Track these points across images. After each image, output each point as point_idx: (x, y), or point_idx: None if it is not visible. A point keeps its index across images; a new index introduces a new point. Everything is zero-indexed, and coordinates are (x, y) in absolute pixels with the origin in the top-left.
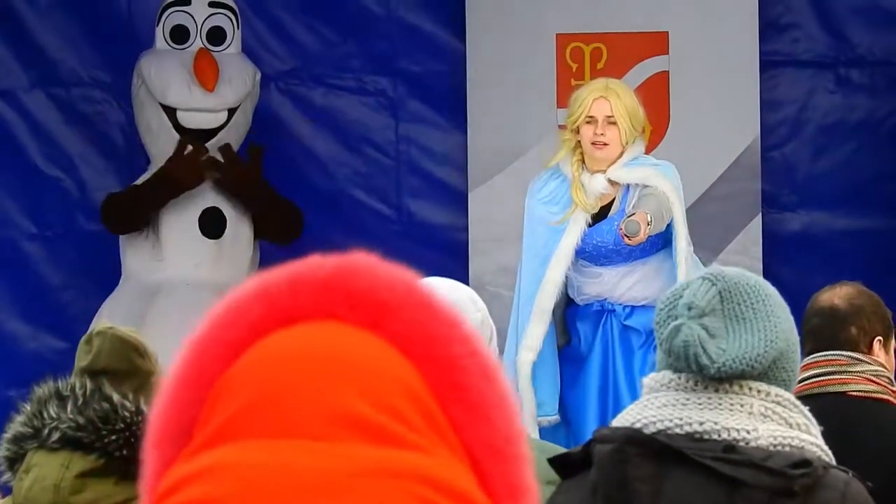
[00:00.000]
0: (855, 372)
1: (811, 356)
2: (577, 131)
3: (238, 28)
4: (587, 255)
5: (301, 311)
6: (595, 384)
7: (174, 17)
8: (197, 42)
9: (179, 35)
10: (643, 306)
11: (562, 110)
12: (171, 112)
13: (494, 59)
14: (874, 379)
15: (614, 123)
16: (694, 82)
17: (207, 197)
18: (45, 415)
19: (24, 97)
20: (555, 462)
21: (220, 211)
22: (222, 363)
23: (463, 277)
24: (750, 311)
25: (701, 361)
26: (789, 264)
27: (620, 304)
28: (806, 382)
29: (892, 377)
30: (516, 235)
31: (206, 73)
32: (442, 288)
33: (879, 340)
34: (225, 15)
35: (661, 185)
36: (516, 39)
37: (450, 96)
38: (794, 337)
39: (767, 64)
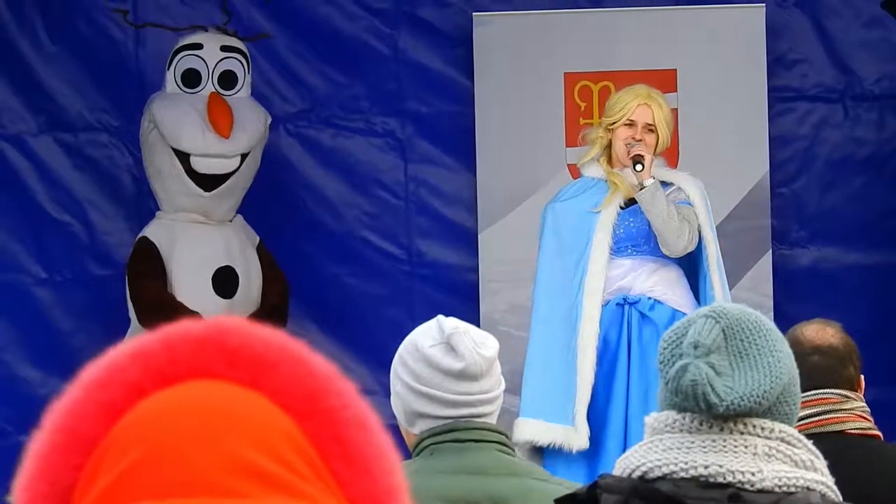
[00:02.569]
0: (848, 410)
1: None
2: (610, 131)
3: (248, 72)
4: (616, 240)
5: (178, 370)
6: (623, 378)
7: (186, 60)
8: (209, 86)
9: (191, 79)
10: (663, 303)
11: (571, 149)
12: (183, 157)
13: (503, 99)
14: (865, 416)
15: (652, 131)
16: (703, 119)
17: (220, 256)
18: None
19: (32, 142)
20: (561, 502)
21: (233, 269)
22: (98, 426)
23: (473, 318)
24: (753, 348)
25: (710, 400)
26: (800, 300)
27: (644, 296)
28: (805, 422)
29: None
30: (527, 275)
31: (221, 120)
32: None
33: (862, 377)
34: (237, 59)
35: (690, 190)
36: (524, 79)
37: (458, 136)
38: (795, 370)
39: (776, 100)
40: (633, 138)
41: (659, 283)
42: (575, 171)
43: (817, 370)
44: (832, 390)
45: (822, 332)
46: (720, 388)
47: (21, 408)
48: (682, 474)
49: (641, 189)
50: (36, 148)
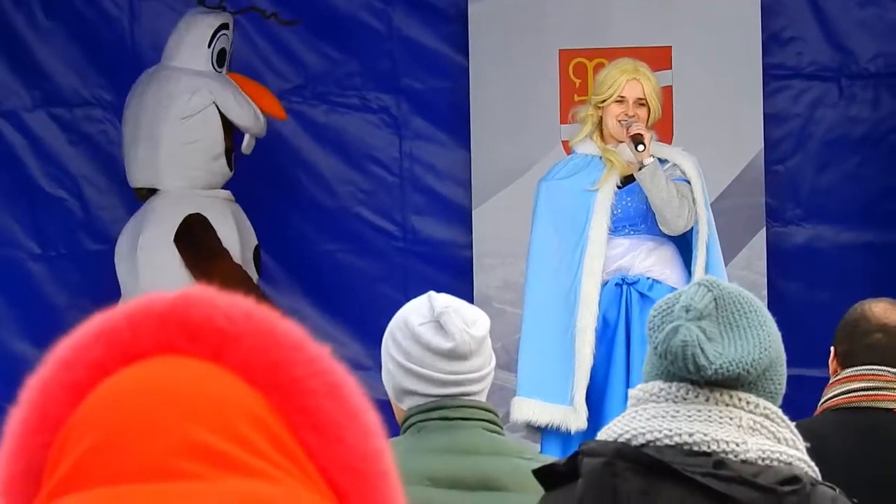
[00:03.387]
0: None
1: (854, 368)
2: (600, 108)
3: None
4: (614, 220)
5: (141, 347)
6: (622, 359)
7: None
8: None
9: (222, 59)
10: (662, 283)
11: (565, 126)
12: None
13: (497, 76)
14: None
15: (644, 105)
16: (697, 97)
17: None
18: None
19: (27, 117)
20: (539, 473)
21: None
22: (65, 406)
23: (467, 294)
24: (744, 320)
25: (699, 362)
26: (793, 278)
27: (642, 276)
28: (852, 395)
29: None
30: (521, 252)
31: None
32: (452, 304)
33: None
34: (226, 36)
35: (686, 167)
36: (519, 56)
37: (453, 113)
38: (782, 350)
39: (771, 77)
40: (626, 114)
41: (657, 263)
42: (570, 149)
43: (878, 346)
44: (888, 368)
45: (890, 312)
46: (710, 352)
47: (14, 383)
48: (666, 441)
49: (641, 168)
50: (31, 123)
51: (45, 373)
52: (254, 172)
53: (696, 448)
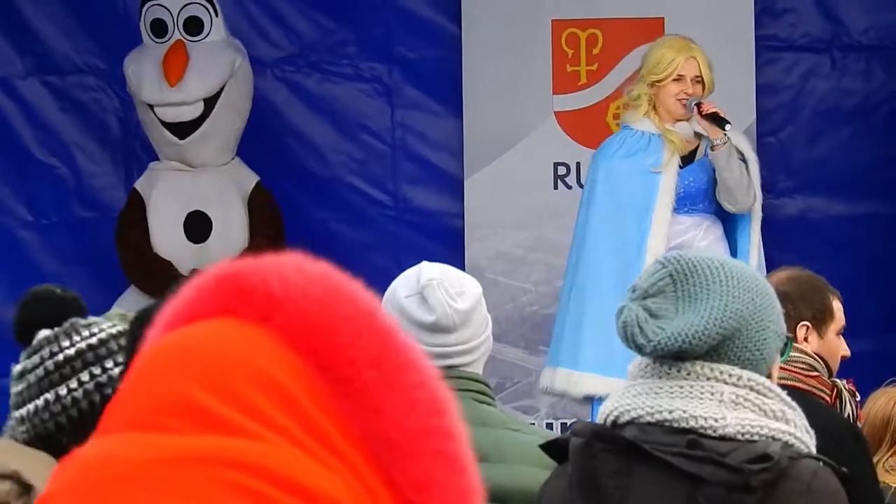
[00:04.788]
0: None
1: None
2: (655, 86)
3: (217, 15)
4: (677, 199)
5: (201, 308)
6: None
7: (152, 10)
8: (175, 34)
9: (159, 29)
10: None
11: (557, 97)
12: (150, 108)
13: (490, 46)
14: (784, 366)
15: (700, 82)
16: None
17: (192, 202)
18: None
19: (19, 84)
20: (547, 447)
21: (206, 214)
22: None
23: (459, 264)
24: (703, 292)
25: (637, 340)
26: (786, 249)
27: None
28: None
29: (815, 363)
30: (512, 222)
31: (171, 68)
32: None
33: (806, 326)
34: (200, 4)
35: (743, 147)
36: (512, 25)
37: (446, 83)
38: (761, 317)
39: (763, 49)
40: (686, 93)
41: (714, 242)
42: (562, 119)
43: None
44: None
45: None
46: (649, 330)
47: (4, 350)
48: (649, 419)
49: (713, 147)
50: (23, 90)
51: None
52: (246, 141)
53: (675, 425)
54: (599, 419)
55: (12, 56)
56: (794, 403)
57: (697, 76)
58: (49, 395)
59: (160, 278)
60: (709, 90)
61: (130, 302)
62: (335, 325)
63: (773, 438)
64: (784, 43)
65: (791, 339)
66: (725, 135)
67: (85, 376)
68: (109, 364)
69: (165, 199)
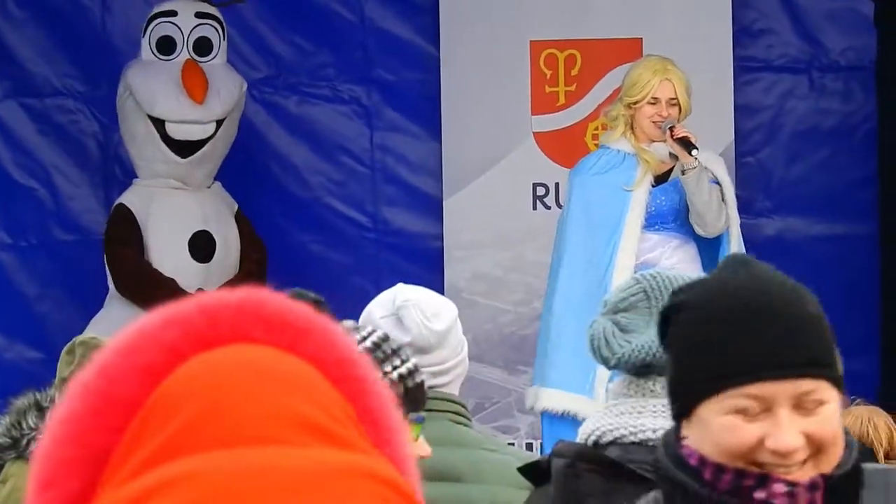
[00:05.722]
0: None
1: None
2: (632, 108)
3: (224, 39)
4: (647, 216)
5: (218, 335)
6: None
7: (161, 27)
8: (184, 53)
9: (166, 46)
10: None
11: (536, 117)
12: (159, 123)
13: (469, 67)
14: None
15: (676, 104)
16: None
17: (197, 221)
18: (24, 425)
19: None
20: (526, 469)
21: (210, 234)
22: (136, 388)
23: (438, 285)
24: None
25: (602, 354)
26: None
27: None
28: None
29: None
30: (491, 243)
31: (195, 85)
32: (419, 296)
33: None
34: (211, 26)
35: (716, 169)
36: (491, 47)
37: (424, 104)
38: None
39: (741, 69)
40: (661, 115)
41: (682, 261)
42: (541, 140)
43: None
44: None
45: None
46: (615, 344)
47: None
48: (632, 438)
49: (685, 171)
50: (2, 113)
51: (108, 359)
52: (225, 163)
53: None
54: (581, 439)
55: None
56: None
57: (673, 98)
58: None
59: (161, 296)
60: (685, 113)
61: (105, 323)
62: (350, 356)
63: None
64: (762, 63)
65: None
66: (696, 159)
67: None
68: (388, 368)
69: (169, 217)
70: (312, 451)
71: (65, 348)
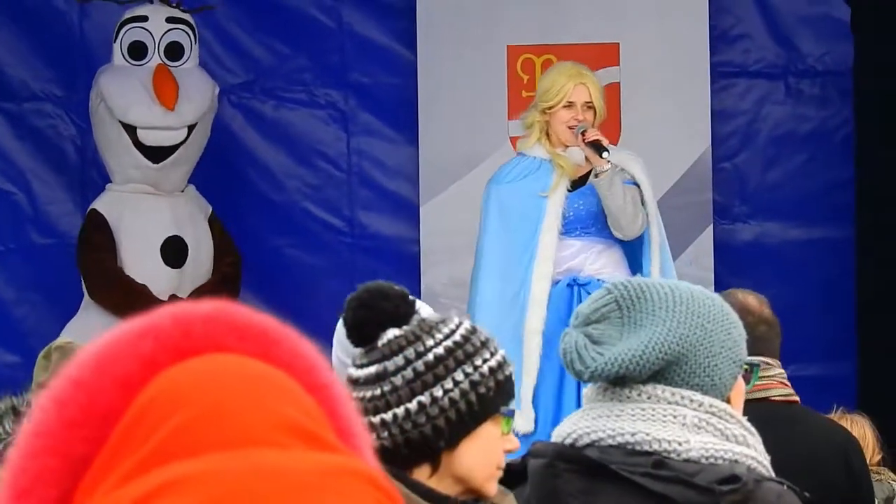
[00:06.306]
0: (770, 377)
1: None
2: (547, 113)
3: (195, 43)
4: (565, 223)
5: (193, 345)
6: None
7: (132, 32)
8: (155, 58)
9: (137, 51)
10: None
11: (513, 122)
12: (131, 130)
13: (446, 72)
14: (785, 382)
15: (591, 108)
16: (645, 93)
17: (169, 226)
18: (1, 430)
19: None
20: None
21: (182, 239)
22: (113, 398)
23: (415, 290)
24: (648, 318)
25: (575, 367)
26: (741, 275)
27: (593, 278)
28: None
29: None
30: (469, 247)
31: (166, 91)
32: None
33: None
34: (182, 30)
35: (634, 170)
36: (467, 51)
37: (401, 109)
38: (712, 342)
39: (718, 75)
40: (577, 119)
41: (607, 265)
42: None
43: (764, 339)
44: (757, 357)
45: (763, 304)
46: (588, 357)
47: None
48: (610, 441)
49: (597, 175)
50: None
51: (80, 371)
52: (202, 167)
53: (638, 447)
54: (556, 441)
55: None
56: (752, 429)
57: (588, 102)
58: (423, 398)
59: (134, 302)
60: (600, 117)
61: (79, 327)
62: (315, 364)
63: (736, 462)
64: (739, 69)
65: (757, 367)
66: (608, 162)
67: (459, 375)
68: (479, 361)
69: (141, 222)
70: (310, 454)
71: (41, 353)
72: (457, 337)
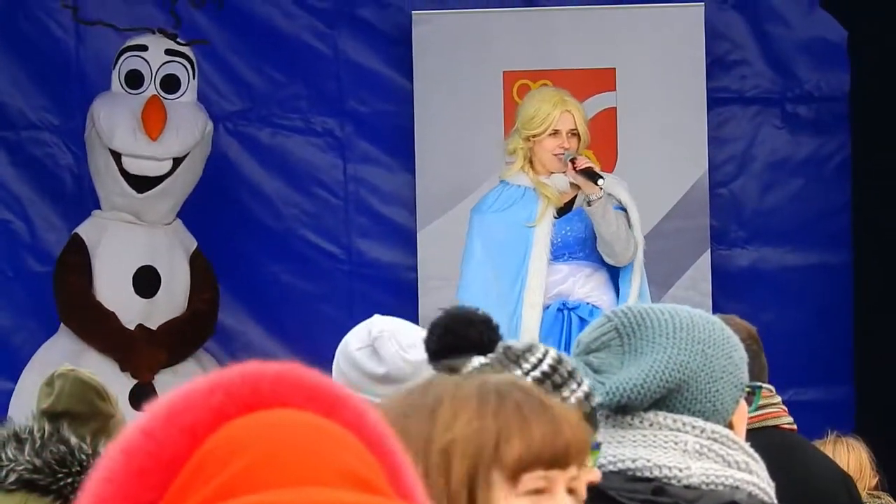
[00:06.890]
0: (776, 404)
1: None
2: (531, 140)
3: (193, 78)
4: (554, 248)
5: (261, 399)
6: None
7: (130, 61)
8: (151, 88)
9: (134, 80)
10: (600, 308)
11: None
12: (117, 157)
13: (442, 98)
14: (785, 410)
15: (576, 135)
16: (641, 119)
17: (143, 256)
18: (3, 456)
19: None
20: None
21: (155, 270)
22: (180, 446)
23: (412, 317)
24: (648, 345)
25: None
26: (738, 300)
27: (582, 302)
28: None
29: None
30: None
31: (151, 121)
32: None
33: None
34: (180, 63)
35: (621, 195)
36: (464, 77)
37: (398, 135)
38: (713, 368)
39: (714, 101)
40: (563, 147)
41: (595, 289)
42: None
43: (763, 367)
44: (764, 384)
45: (749, 327)
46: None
47: None
48: (610, 467)
49: (590, 203)
50: None
51: (150, 421)
52: (198, 195)
53: (638, 473)
54: None
55: None
56: (756, 455)
57: (573, 129)
58: None
59: (100, 327)
60: (584, 143)
61: (58, 349)
62: (380, 431)
63: (737, 488)
64: (735, 94)
65: (759, 389)
66: (601, 189)
67: None
68: (566, 392)
69: (116, 250)
70: (363, 495)
71: (44, 380)
72: (545, 367)
